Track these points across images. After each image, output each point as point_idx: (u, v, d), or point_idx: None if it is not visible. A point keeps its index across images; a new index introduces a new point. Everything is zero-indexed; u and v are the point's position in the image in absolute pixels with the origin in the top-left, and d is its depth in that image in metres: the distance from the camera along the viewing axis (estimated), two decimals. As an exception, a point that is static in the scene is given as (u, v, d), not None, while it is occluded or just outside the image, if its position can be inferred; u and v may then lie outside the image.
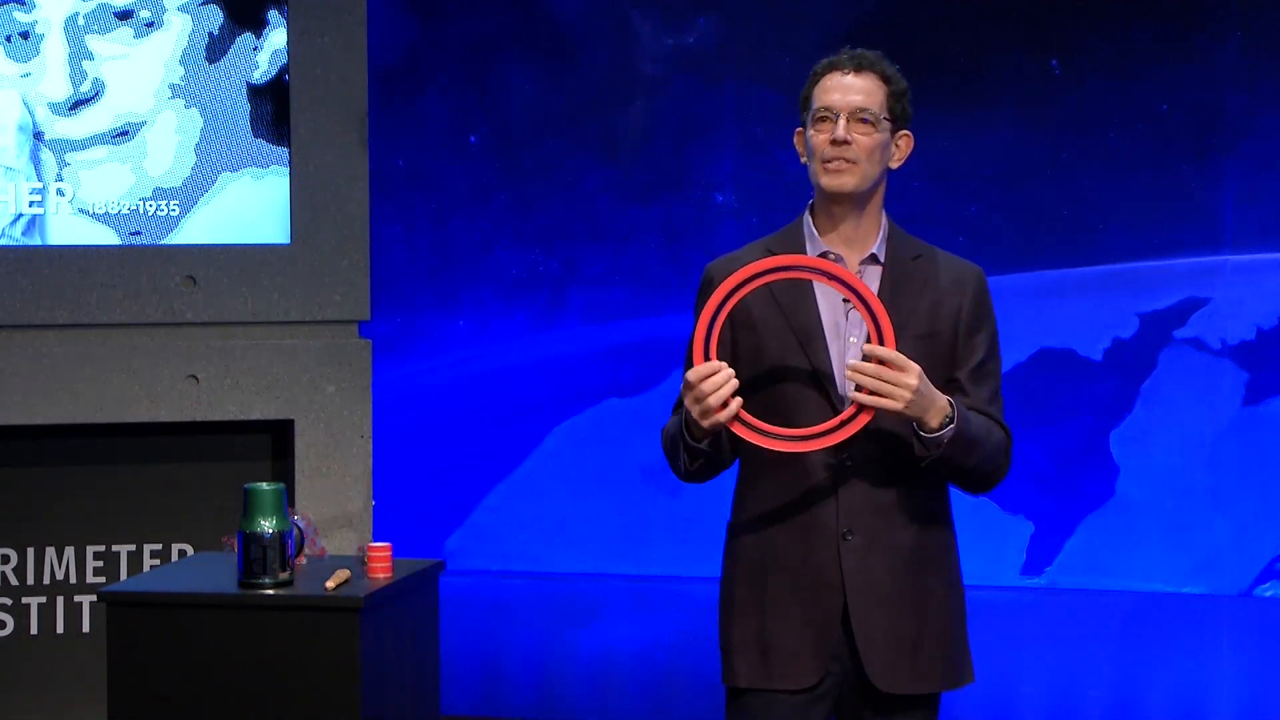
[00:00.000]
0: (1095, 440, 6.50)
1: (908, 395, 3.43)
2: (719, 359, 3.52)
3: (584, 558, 6.80)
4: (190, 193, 6.10)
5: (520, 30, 6.89)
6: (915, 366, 3.45)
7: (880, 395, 3.43)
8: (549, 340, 6.86)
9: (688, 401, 3.50)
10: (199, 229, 6.10)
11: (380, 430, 6.30)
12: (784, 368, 3.61)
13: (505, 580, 6.82)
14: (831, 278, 3.49)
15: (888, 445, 3.60)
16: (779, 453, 3.52)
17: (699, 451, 3.59)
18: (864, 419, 3.48)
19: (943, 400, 3.49)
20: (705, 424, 3.48)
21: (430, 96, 6.89)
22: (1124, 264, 6.53)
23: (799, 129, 3.70)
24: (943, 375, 3.61)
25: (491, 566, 6.83)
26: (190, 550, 6.13)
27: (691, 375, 3.47)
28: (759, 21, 6.70)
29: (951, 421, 3.48)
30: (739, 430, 3.52)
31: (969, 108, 6.50)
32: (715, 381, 3.46)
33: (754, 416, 3.52)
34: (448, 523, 6.86)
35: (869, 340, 3.48)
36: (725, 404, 3.46)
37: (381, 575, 4.61)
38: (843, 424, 3.49)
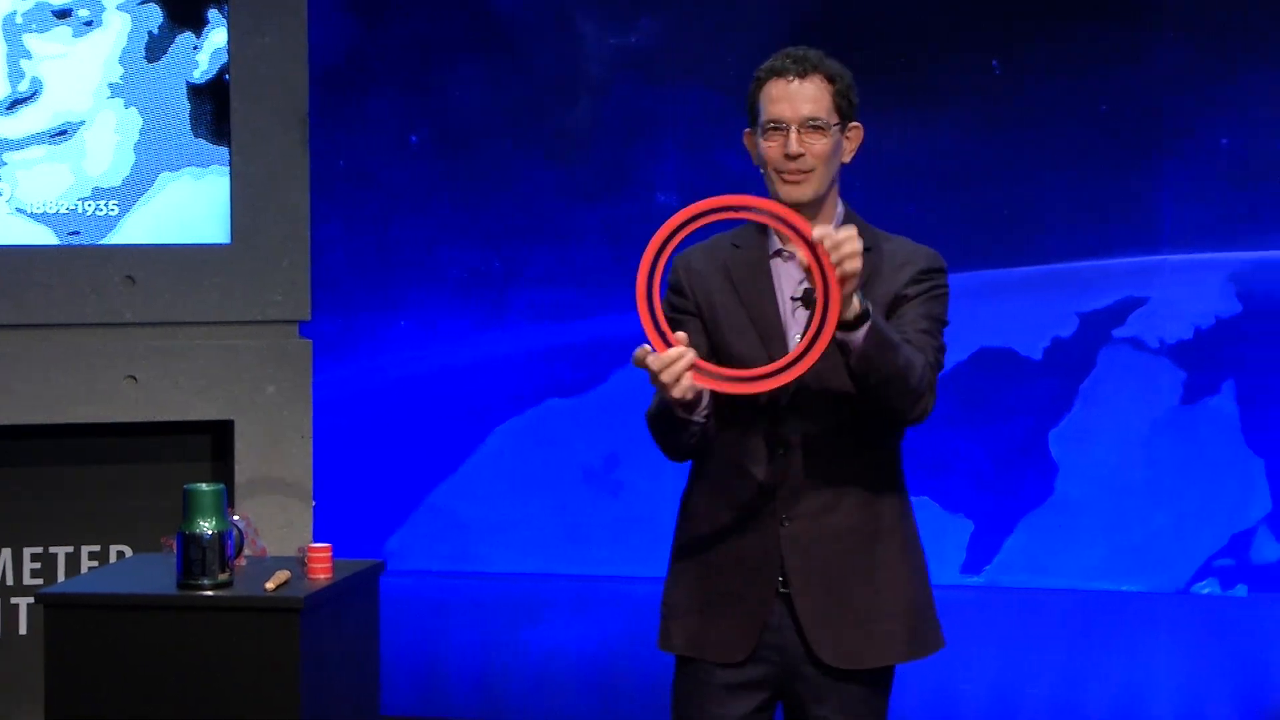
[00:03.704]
0: (1034, 439, 6.53)
1: (858, 248, 3.37)
2: (697, 343, 3.54)
3: (526, 558, 6.80)
4: (129, 192, 6.07)
5: (463, 30, 6.88)
6: (848, 229, 3.39)
7: (845, 263, 3.36)
8: (491, 340, 6.85)
9: (652, 381, 3.49)
10: (138, 229, 6.08)
11: (321, 431, 6.29)
12: (741, 355, 3.63)
13: (447, 580, 6.81)
14: (774, 218, 3.46)
15: (828, 423, 3.62)
16: (740, 395, 3.49)
17: (693, 422, 3.57)
18: (820, 346, 3.40)
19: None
20: (671, 396, 3.46)
21: (372, 96, 6.87)
22: (1063, 264, 6.56)
23: (747, 130, 3.72)
24: None
25: (433, 567, 6.82)
26: (129, 552, 6.10)
27: (652, 362, 3.45)
28: (702, 21, 6.71)
29: (867, 314, 3.44)
30: (700, 380, 3.47)
31: (908, 107, 6.52)
32: (674, 371, 3.44)
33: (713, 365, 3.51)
34: (389, 523, 6.85)
35: (810, 285, 3.43)
36: (680, 379, 3.44)
37: (322, 576, 4.60)
38: (798, 358, 3.43)
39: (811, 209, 3.63)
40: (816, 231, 3.37)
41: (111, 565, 5.95)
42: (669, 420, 3.57)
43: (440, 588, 6.80)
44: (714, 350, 3.66)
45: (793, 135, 3.61)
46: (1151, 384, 6.47)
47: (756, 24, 6.59)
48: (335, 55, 6.81)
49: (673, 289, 3.75)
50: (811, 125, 3.62)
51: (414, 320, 6.88)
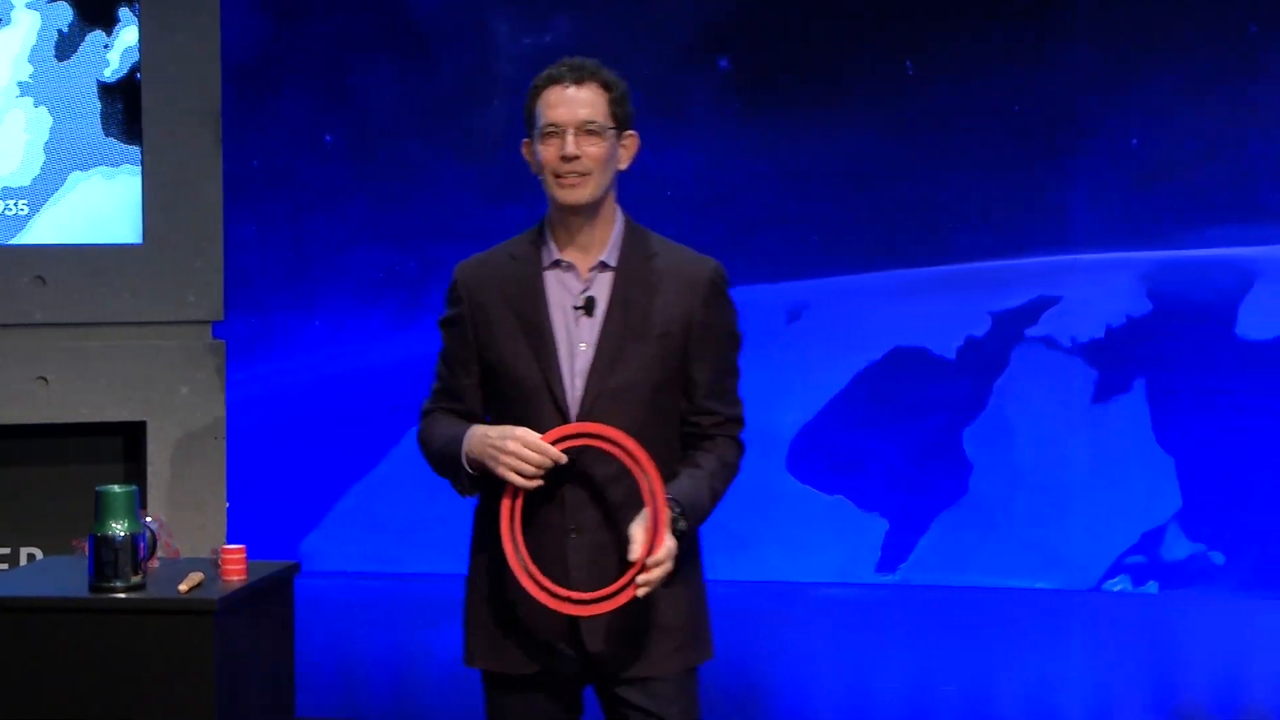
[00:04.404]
0: (948, 438, 6.57)
1: (666, 572, 3.54)
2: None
3: (441, 558, 6.77)
4: (39, 192, 6.02)
5: (377, 29, 6.87)
6: (669, 544, 3.53)
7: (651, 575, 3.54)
8: (406, 340, 6.84)
9: (510, 444, 3.54)
10: (49, 229, 6.03)
11: (235, 431, 6.25)
12: (515, 369, 3.68)
13: (361, 581, 6.79)
14: (635, 461, 3.54)
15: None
16: (525, 591, 3.60)
17: (473, 482, 3.68)
18: (622, 600, 3.55)
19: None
20: (498, 472, 3.56)
21: (286, 95, 6.85)
22: (976, 263, 6.60)
23: (525, 140, 3.74)
24: (677, 372, 3.67)
25: (348, 568, 6.80)
26: (39, 554, 6.05)
27: (534, 440, 3.53)
28: (615, 22, 6.71)
29: (683, 519, 3.59)
30: (504, 531, 3.58)
31: (823, 108, 6.54)
32: (541, 461, 3.53)
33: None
34: (303, 524, 6.83)
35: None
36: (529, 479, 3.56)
37: (236, 577, 4.57)
38: (597, 600, 3.56)
39: (588, 213, 3.67)
40: (650, 559, 3.51)
41: (22, 568, 5.89)
42: (446, 467, 3.71)
43: (355, 588, 6.79)
44: (485, 360, 3.68)
45: (569, 138, 3.66)
46: (1064, 383, 6.53)
47: (670, 26, 6.61)
48: (248, 54, 6.78)
49: (449, 300, 3.78)
50: (588, 129, 3.66)
51: (328, 320, 6.86)
